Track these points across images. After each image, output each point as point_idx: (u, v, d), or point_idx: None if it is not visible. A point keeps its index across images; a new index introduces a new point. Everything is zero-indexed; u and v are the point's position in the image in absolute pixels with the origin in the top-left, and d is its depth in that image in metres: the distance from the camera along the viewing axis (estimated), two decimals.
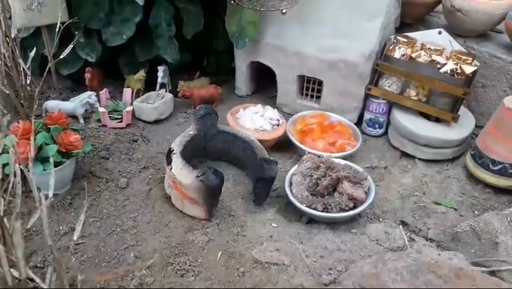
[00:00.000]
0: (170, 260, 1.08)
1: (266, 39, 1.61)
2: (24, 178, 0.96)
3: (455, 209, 1.27)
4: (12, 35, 1.19)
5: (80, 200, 1.26)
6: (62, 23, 1.51)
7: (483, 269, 0.88)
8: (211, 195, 1.14)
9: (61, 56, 1.21)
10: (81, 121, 1.55)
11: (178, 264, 1.07)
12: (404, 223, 1.23)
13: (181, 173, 1.16)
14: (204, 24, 1.70)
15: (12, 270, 0.80)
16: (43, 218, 0.71)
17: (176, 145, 1.25)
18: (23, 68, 1.29)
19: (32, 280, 1.00)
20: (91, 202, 1.26)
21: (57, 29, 1.28)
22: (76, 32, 1.58)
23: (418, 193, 1.35)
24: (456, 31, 1.60)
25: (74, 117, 1.55)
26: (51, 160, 0.98)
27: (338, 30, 1.49)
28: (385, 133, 1.61)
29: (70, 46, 1.25)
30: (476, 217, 1.05)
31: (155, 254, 1.10)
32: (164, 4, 1.57)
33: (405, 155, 1.51)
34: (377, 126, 1.59)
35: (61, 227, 1.17)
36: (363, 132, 1.63)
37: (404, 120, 1.48)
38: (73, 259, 1.08)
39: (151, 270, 1.06)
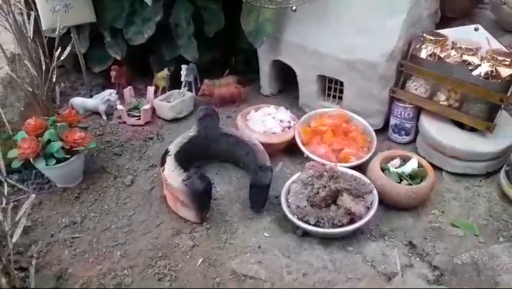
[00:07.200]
0: (152, 262, 1.08)
1: (285, 37, 1.53)
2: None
3: (475, 235, 1.10)
4: (30, 35, 1.26)
5: (87, 194, 1.31)
6: (90, 24, 1.58)
7: None
8: (197, 199, 1.11)
9: (61, 58, 1.26)
10: (104, 117, 1.62)
11: (158, 267, 1.07)
12: (411, 245, 1.10)
13: (171, 175, 1.16)
14: (230, 22, 1.67)
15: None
16: None
17: (173, 146, 1.25)
18: (53, 67, 1.36)
19: (23, 269, 1.07)
20: (97, 198, 1.30)
21: (53, 32, 1.32)
22: (105, 32, 1.65)
23: (436, 211, 1.20)
24: (503, 26, 1.39)
25: (98, 113, 1.63)
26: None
27: (357, 28, 1.36)
28: (414, 140, 1.46)
29: (68, 48, 1.30)
30: (482, 248, 0.89)
31: (139, 255, 1.11)
32: (184, 3, 1.57)
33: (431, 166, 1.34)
34: (403, 132, 1.44)
35: (63, 220, 1.23)
36: (388, 139, 1.49)
37: (430, 127, 1.32)
38: (66, 252, 1.13)
39: (133, 271, 1.07)
